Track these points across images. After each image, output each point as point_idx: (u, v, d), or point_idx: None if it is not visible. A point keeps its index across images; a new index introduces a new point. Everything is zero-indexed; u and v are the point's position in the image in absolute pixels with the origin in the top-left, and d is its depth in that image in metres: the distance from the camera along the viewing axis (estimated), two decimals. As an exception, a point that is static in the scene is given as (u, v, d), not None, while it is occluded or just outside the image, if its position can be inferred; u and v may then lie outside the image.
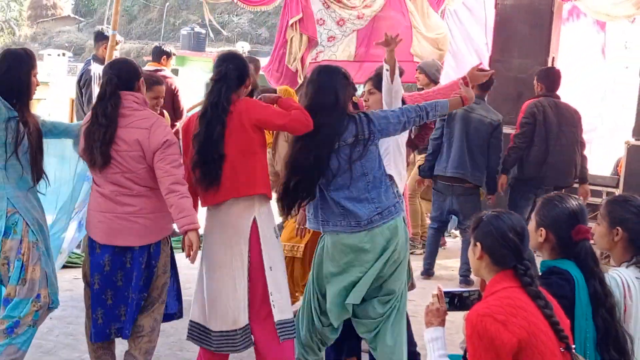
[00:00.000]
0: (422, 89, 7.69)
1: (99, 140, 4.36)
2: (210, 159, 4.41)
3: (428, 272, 8.02)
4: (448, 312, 3.36)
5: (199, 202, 4.73)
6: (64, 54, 27.64)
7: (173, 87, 8.21)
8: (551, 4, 9.56)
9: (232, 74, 4.48)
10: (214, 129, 4.39)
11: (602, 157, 11.33)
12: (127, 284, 4.52)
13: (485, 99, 7.82)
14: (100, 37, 8.29)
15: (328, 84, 4.60)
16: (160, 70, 8.32)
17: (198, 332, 4.68)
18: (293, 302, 5.23)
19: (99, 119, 4.40)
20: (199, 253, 4.59)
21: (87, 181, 5.05)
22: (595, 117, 11.46)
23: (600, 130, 11.54)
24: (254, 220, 4.61)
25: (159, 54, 8.70)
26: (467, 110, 7.42)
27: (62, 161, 5.05)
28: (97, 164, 4.38)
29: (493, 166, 7.69)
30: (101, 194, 4.51)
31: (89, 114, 4.64)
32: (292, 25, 9.22)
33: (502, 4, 9.88)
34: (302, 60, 9.16)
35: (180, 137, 5.00)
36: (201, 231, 4.58)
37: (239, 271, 4.59)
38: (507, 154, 7.80)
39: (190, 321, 4.71)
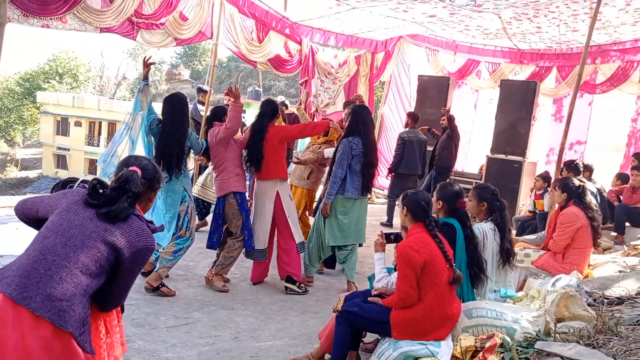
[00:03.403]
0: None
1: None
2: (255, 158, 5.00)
3: (386, 224, 8.49)
4: (386, 244, 3.74)
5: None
6: (184, 101, 29.10)
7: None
8: (448, 80, 10.34)
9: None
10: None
11: (469, 161, 11.85)
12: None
13: (415, 127, 8.44)
14: (200, 90, 8.62)
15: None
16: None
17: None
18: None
19: (206, 135, 5.03)
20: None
21: None
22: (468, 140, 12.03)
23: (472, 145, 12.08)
24: (277, 192, 5.13)
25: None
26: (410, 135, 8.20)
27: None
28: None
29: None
30: None
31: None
32: (301, 83, 10.01)
33: (421, 78, 10.68)
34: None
35: None
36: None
37: (269, 218, 5.10)
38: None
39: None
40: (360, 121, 5.07)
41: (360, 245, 5.47)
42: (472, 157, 11.87)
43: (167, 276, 5.09)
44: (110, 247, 2.17)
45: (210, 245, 5.15)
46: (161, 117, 4.87)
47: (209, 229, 5.26)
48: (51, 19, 6.02)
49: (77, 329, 2.06)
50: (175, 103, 4.85)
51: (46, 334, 2.01)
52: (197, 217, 5.21)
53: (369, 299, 3.48)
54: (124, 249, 2.19)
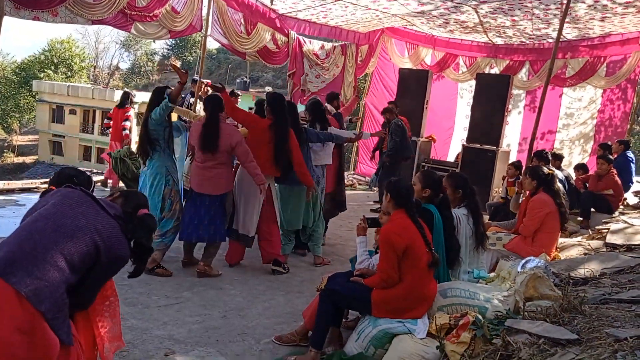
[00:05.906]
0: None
1: (209, 137, 4.68)
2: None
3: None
4: (368, 228, 3.72)
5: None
6: (174, 90, 28.95)
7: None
8: (427, 73, 10.15)
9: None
10: None
11: (452, 150, 11.86)
12: (204, 213, 4.83)
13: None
14: (194, 82, 8.40)
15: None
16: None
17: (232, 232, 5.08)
18: None
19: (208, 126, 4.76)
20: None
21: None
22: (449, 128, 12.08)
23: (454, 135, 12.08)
24: (269, 185, 5.05)
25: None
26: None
27: (178, 148, 5.41)
28: (209, 150, 4.69)
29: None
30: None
31: (197, 119, 5.13)
32: (289, 75, 9.87)
33: (402, 70, 10.50)
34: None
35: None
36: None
37: (258, 207, 5.00)
38: None
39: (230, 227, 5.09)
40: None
41: (288, 229, 5.44)
42: (452, 146, 11.91)
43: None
44: (95, 245, 2.16)
45: (221, 237, 4.93)
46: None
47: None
48: (42, 11, 5.87)
49: (49, 311, 2.00)
50: (152, 94, 4.92)
51: (26, 317, 1.95)
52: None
53: (351, 279, 3.48)
54: (104, 251, 2.18)
